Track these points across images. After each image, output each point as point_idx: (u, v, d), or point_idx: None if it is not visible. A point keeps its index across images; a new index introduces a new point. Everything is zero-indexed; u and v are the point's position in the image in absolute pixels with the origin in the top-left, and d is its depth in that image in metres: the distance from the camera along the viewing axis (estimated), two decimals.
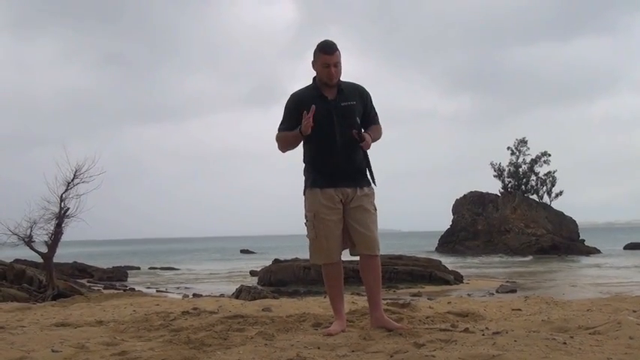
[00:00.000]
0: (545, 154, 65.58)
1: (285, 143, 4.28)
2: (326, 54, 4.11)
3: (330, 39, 4.20)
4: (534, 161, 65.51)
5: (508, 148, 66.45)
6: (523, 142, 66.18)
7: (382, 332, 4.04)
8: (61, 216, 14.89)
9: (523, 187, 65.38)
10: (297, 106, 4.19)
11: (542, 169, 65.69)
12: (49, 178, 14.98)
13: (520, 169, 65.71)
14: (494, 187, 66.92)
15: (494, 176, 66.52)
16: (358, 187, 4.24)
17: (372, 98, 4.38)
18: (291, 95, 4.31)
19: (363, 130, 4.24)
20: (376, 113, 4.39)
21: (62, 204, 14.97)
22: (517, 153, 65.98)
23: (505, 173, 66.12)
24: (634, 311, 5.19)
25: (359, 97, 4.28)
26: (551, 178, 65.54)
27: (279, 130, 4.27)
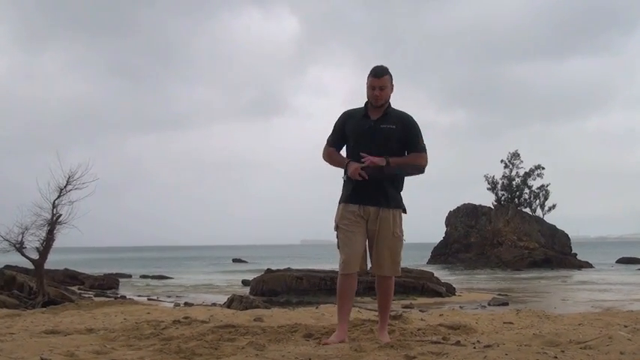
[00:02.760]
0: (538, 167, 65.83)
1: (329, 160, 4.61)
2: (374, 77, 4.37)
3: (381, 64, 4.42)
4: (528, 174, 65.70)
5: (501, 161, 66.71)
6: (516, 155, 66.43)
7: (374, 344, 4.03)
8: (53, 222, 14.82)
9: (516, 200, 65.48)
10: (344, 121, 4.51)
11: (535, 183, 65.92)
12: (41, 184, 14.92)
13: (513, 182, 65.89)
14: (488, 199, 67.09)
15: (488, 189, 66.66)
16: (381, 207, 4.36)
17: (421, 130, 4.49)
18: (343, 112, 4.59)
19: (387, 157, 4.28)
20: (420, 142, 4.45)
21: (54, 210, 14.90)
22: (510, 166, 66.21)
23: (498, 186, 66.24)
24: (625, 326, 5.19)
25: (401, 123, 4.41)
26: (544, 192, 65.70)
27: (327, 141, 4.61)
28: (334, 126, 4.58)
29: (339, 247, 4.44)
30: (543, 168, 65.91)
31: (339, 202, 4.50)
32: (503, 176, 66.31)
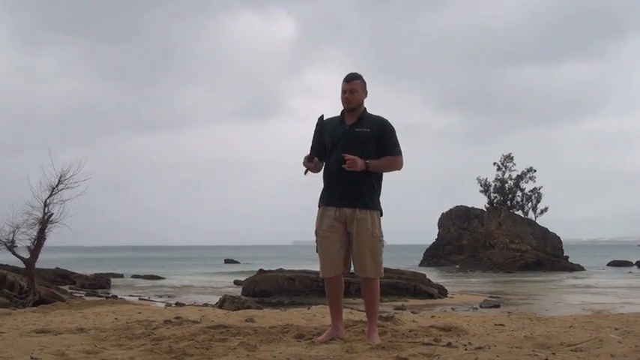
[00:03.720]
0: (530, 170, 65.93)
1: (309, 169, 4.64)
2: (345, 81, 4.55)
3: (353, 71, 4.60)
4: (520, 177, 65.85)
5: (494, 163, 66.85)
6: (509, 157, 66.53)
7: (365, 345, 4.03)
8: (45, 221, 14.75)
9: (509, 202, 65.65)
10: (321, 128, 4.61)
11: (527, 185, 66.07)
12: (33, 183, 14.85)
13: (506, 185, 66.05)
14: (481, 202, 67.24)
15: (481, 191, 66.80)
16: (358, 209, 4.44)
17: (396, 133, 4.60)
18: (320, 118, 4.67)
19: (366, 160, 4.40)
20: (395, 145, 4.56)
21: (46, 209, 14.83)
22: (503, 169, 66.34)
23: (491, 188, 66.39)
24: (616, 329, 5.22)
25: (376, 126, 4.53)
26: (536, 195, 65.85)
27: (310, 152, 4.64)
28: (313, 134, 4.67)
29: (317, 252, 4.56)
30: (535, 171, 66.12)
31: (318, 206, 4.62)
32: (495, 179, 66.51)
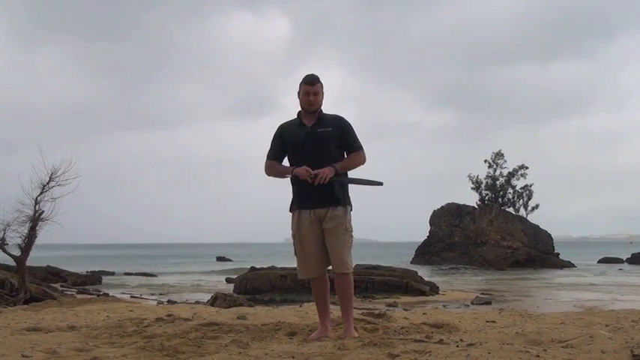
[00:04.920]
0: (522, 167, 66.01)
1: (273, 171, 4.73)
2: (307, 84, 4.60)
3: (313, 73, 4.68)
4: (511, 174, 65.95)
5: (485, 160, 66.93)
6: (499, 154, 66.61)
7: (357, 342, 4.04)
8: (36, 219, 14.68)
9: (500, 199, 65.75)
10: (281, 134, 4.69)
11: (519, 183, 66.17)
12: (24, 180, 14.76)
13: (497, 182, 66.15)
14: (472, 199, 67.35)
15: (472, 188, 66.82)
16: (330, 207, 4.54)
17: (354, 128, 4.69)
18: (279, 126, 4.76)
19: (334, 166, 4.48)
20: (356, 141, 4.66)
21: (37, 207, 14.76)
22: (494, 166, 66.42)
23: (482, 186, 66.47)
24: (606, 325, 5.24)
25: (336, 125, 4.63)
26: (527, 192, 65.95)
27: (267, 156, 4.74)
28: (272, 140, 4.75)
29: (295, 254, 4.68)
30: (527, 168, 66.21)
31: (291, 211, 4.70)
32: (487, 176, 66.59)
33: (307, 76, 4.66)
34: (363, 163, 4.66)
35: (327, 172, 4.40)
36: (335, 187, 4.49)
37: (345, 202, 4.59)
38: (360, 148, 4.64)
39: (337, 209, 4.54)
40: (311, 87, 4.59)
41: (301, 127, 4.62)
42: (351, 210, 4.66)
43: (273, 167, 4.72)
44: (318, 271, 4.64)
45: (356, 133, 4.68)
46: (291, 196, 4.72)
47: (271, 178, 4.74)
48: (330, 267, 4.67)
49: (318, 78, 4.65)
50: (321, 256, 4.60)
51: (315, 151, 4.51)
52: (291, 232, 4.68)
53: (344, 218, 4.55)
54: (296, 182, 4.61)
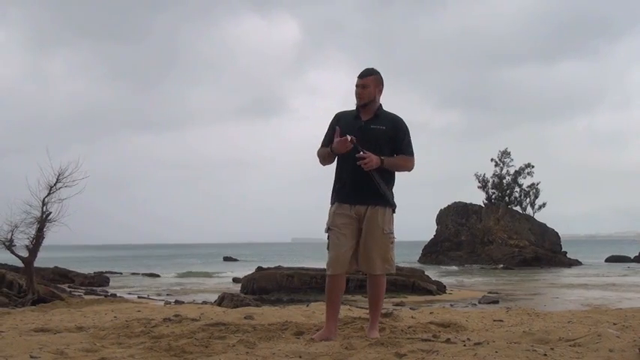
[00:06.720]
0: (528, 165, 65.86)
1: (321, 158, 4.64)
2: (358, 77, 4.55)
3: (369, 67, 4.60)
4: (518, 173, 65.83)
5: (492, 159, 66.78)
6: (506, 153, 66.49)
7: (364, 342, 4.04)
8: (43, 220, 14.73)
9: (507, 198, 65.60)
10: (336, 122, 4.59)
11: (525, 181, 66.04)
12: (31, 182, 14.81)
13: (504, 181, 65.99)
14: (479, 198, 67.21)
15: (479, 187, 66.75)
16: (370, 206, 4.43)
17: (410, 132, 4.60)
18: (335, 114, 4.70)
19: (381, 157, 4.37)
20: (409, 146, 4.56)
21: (44, 208, 14.81)
22: (501, 164, 66.30)
23: (489, 184, 66.35)
24: (614, 324, 5.22)
25: (392, 125, 4.52)
26: (534, 190, 65.83)
27: (322, 143, 4.64)
28: (328, 127, 4.65)
29: (328, 249, 4.50)
30: (533, 166, 66.07)
31: (331, 204, 4.57)
32: (493, 175, 66.48)
33: (363, 70, 4.60)
34: (410, 169, 4.57)
35: (374, 160, 4.29)
36: (381, 185, 4.39)
37: (387, 202, 4.48)
38: (412, 153, 4.54)
39: (377, 209, 4.42)
40: (360, 80, 4.52)
41: (355, 120, 4.53)
42: (394, 212, 4.54)
43: (320, 153, 4.62)
44: (343, 267, 4.47)
45: (411, 138, 4.57)
46: (332, 188, 4.60)
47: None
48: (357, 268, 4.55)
49: (371, 71, 4.56)
50: (350, 254, 4.46)
51: (365, 147, 4.36)
52: (326, 225, 4.53)
53: (382, 220, 4.44)
54: (340, 173, 4.52)
